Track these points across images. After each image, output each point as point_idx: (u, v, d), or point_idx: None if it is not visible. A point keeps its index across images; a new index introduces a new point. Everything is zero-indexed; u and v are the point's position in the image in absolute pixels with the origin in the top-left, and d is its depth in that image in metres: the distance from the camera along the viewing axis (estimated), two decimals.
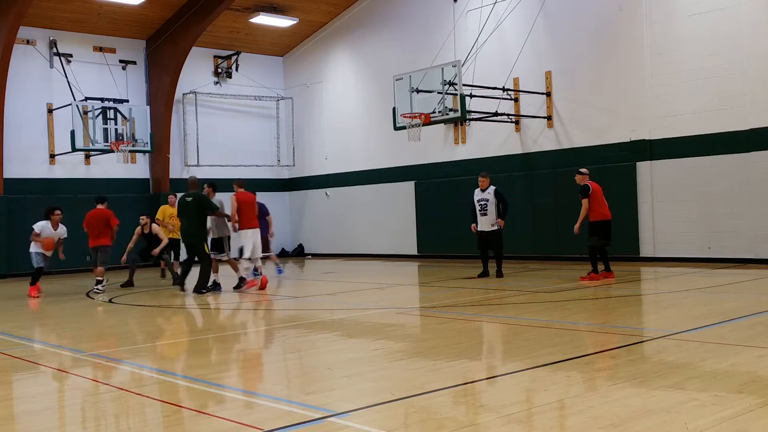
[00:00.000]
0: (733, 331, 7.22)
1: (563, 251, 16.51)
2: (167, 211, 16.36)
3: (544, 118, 17.51)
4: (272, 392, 5.57)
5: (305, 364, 6.86)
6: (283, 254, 23.24)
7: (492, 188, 13.61)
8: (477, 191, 13.74)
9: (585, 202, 12.45)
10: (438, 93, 15.81)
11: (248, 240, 13.20)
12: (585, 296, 10.56)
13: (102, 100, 20.00)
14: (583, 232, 12.61)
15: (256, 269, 13.31)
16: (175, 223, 15.79)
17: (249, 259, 13.24)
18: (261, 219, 14.65)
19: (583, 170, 13.03)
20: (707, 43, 14.82)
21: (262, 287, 13.04)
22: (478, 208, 13.62)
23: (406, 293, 12.65)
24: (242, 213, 13.12)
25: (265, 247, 14.85)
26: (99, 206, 14.29)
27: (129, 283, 14.86)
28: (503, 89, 17.05)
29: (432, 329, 8.40)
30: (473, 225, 13.69)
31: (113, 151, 19.32)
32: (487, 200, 13.55)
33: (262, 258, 13.74)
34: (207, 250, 12.88)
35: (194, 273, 12.98)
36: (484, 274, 13.69)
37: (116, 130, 19.42)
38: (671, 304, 9.81)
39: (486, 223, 13.54)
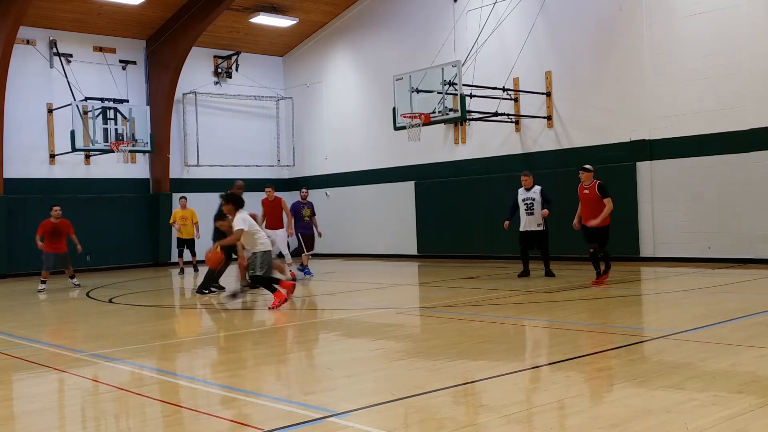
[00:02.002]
0: (733, 331, 7.21)
1: (563, 251, 16.50)
2: (177, 214, 17.99)
3: (544, 118, 17.51)
4: (272, 392, 5.57)
5: (305, 364, 6.86)
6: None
7: (537, 187, 13.27)
8: (521, 191, 13.38)
9: (609, 201, 11.54)
10: (438, 93, 15.81)
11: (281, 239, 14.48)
12: (585, 296, 10.56)
13: (102, 100, 20.01)
14: (574, 232, 12.06)
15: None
16: (185, 224, 17.78)
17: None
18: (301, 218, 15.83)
19: (590, 167, 12.04)
20: (707, 43, 14.82)
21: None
22: (523, 207, 13.24)
23: (406, 293, 12.65)
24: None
25: (311, 245, 15.83)
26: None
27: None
28: (503, 89, 17.06)
29: (432, 329, 8.40)
30: (507, 222, 13.38)
31: (113, 151, 19.34)
32: (534, 199, 13.18)
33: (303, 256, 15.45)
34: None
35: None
36: (525, 273, 13.32)
37: (116, 130, 19.45)
38: (671, 304, 9.80)
39: (532, 222, 13.19)
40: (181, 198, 18.49)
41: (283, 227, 14.71)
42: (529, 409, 4.77)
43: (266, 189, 15.23)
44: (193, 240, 17.93)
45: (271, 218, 14.64)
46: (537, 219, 13.16)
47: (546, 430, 4.32)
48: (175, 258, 19.42)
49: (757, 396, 4.72)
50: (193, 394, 5.65)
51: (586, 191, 11.75)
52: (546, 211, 13.07)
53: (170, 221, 18.40)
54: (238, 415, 4.83)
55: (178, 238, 17.92)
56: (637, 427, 4.17)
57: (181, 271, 18.09)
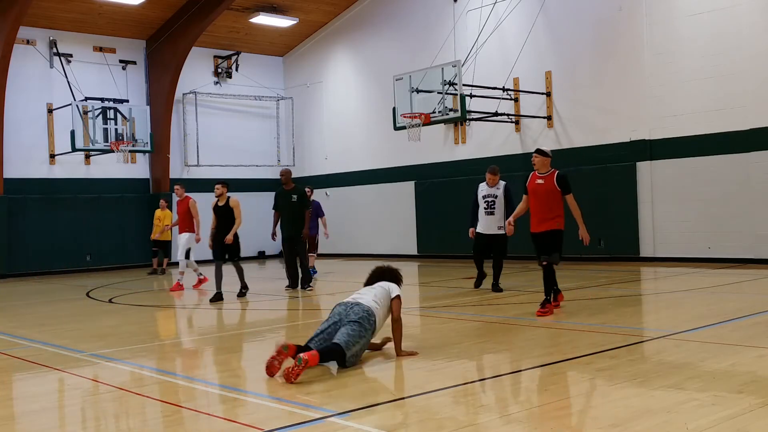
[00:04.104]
0: (733, 331, 7.21)
1: (563, 251, 16.48)
2: (157, 214, 18.22)
3: (544, 118, 17.51)
4: (272, 392, 5.57)
5: None
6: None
7: (502, 183, 11.39)
8: (482, 186, 11.47)
9: (572, 198, 8.87)
10: (438, 93, 15.81)
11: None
12: (585, 296, 10.55)
13: (102, 100, 20.03)
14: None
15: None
16: (159, 225, 17.99)
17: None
18: (314, 218, 15.15)
19: (546, 150, 9.05)
20: (707, 43, 14.82)
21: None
22: (483, 205, 11.29)
23: (406, 293, 12.59)
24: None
25: (313, 246, 15.11)
26: None
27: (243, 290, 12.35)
28: (503, 89, 17.06)
29: (432, 329, 8.40)
30: (472, 230, 11.52)
31: (113, 151, 19.37)
32: (496, 196, 11.25)
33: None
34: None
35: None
36: (481, 281, 11.57)
37: (116, 130, 19.48)
38: (671, 304, 9.81)
39: (492, 224, 11.19)
40: (162, 200, 18.77)
41: (189, 230, 13.74)
42: (529, 409, 4.77)
43: (175, 187, 14.26)
44: (164, 242, 18.35)
45: (180, 221, 13.85)
46: (498, 220, 11.17)
47: (546, 430, 4.32)
48: (174, 258, 19.41)
49: (757, 396, 4.72)
50: (193, 394, 5.65)
51: (539, 181, 8.90)
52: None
53: (154, 223, 18.64)
54: (238, 415, 4.83)
55: (155, 240, 18.29)
56: (637, 427, 4.17)
57: (156, 272, 18.32)
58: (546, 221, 8.77)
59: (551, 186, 8.77)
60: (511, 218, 9.45)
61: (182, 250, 13.70)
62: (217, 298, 11.59)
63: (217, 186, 12.07)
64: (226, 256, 11.87)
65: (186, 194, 13.98)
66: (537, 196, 8.85)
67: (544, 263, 8.80)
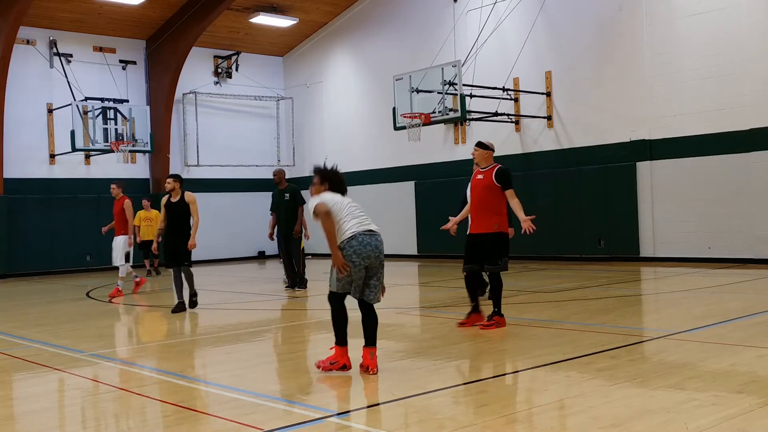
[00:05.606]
0: (733, 331, 7.22)
1: (563, 251, 16.51)
2: (141, 215, 17.65)
3: (544, 118, 17.51)
4: (272, 392, 5.57)
5: (305, 364, 6.85)
6: None
7: None
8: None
9: (514, 194, 7.83)
10: (438, 93, 15.83)
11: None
12: (585, 296, 10.56)
13: (102, 100, 20.03)
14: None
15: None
16: (150, 225, 17.38)
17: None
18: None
19: (487, 143, 8.15)
20: (707, 43, 14.83)
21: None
22: None
23: (406, 293, 12.64)
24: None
25: None
26: None
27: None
28: (503, 89, 17.06)
29: (432, 329, 8.40)
30: (453, 223, 9.01)
31: (113, 151, 19.36)
32: None
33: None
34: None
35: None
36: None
37: (116, 130, 19.48)
38: (671, 304, 9.81)
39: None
40: (144, 200, 18.22)
41: (124, 233, 12.88)
42: (529, 409, 4.77)
43: (111, 186, 13.38)
44: (148, 241, 17.02)
45: (116, 223, 13.06)
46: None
47: (546, 430, 4.32)
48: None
49: (757, 396, 4.72)
50: (193, 394, 5.65)
51: (479, 176, 7.99)
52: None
53: (135, 222, 16.97)
54: (238, 415, 4.83)
55: (143, 240, 17.25)
56: (637, 427, 4.17)
57: (151, 273, 17.71)
58: (484, 222, 7.82)
59: (489, 181, 7.84)
60: (455, 219, 8.68)
61: (121, 254, 12.82)
62: (180, 308, 10.42)
63: (168, 180, 10.50)
64: (179, 260, 10.62)
65: (122, 194, 13.20)
66: (475, 192, 7.97)
67: (489, 275, 7.87)
